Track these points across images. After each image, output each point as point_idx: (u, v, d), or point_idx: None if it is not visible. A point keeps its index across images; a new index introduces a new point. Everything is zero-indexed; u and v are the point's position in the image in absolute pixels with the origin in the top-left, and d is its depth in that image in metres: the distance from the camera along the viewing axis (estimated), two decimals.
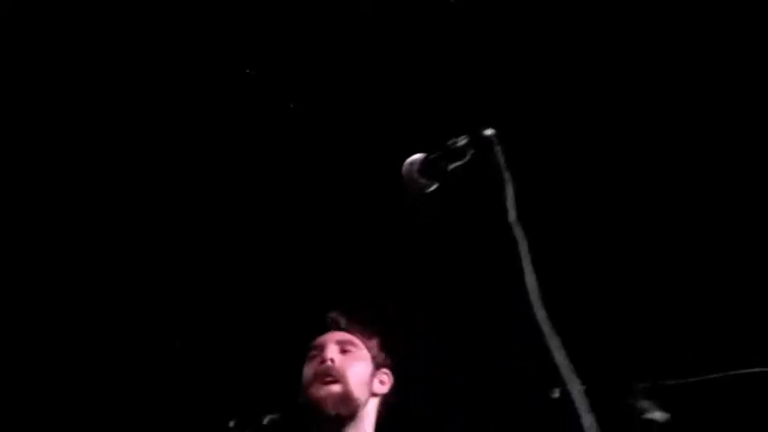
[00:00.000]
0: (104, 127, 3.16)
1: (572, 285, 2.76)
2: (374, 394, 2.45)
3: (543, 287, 1.37)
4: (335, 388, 2.38)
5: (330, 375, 2.38)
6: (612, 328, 2.92)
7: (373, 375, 2.45)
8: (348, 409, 2.38)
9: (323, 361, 2.40)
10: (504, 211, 1.44)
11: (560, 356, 1.34)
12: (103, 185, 3.24)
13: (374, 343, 2.48)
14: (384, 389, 2.47)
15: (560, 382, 1.32)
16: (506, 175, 1.49)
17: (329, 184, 3.18)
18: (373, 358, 2.47)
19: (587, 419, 1.29)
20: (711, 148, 2.95)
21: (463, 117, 2.76)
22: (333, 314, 2.53)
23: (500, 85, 2.96)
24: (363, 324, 2.52)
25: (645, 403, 2.41)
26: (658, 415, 2.43)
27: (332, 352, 2.43)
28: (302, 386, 2.41)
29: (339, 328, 2.50)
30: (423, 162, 1.70)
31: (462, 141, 1.56)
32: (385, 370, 2.48)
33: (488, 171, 1.47)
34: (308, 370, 2.42)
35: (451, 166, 1.57)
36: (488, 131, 1.54)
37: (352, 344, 2.46)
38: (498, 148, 1.53)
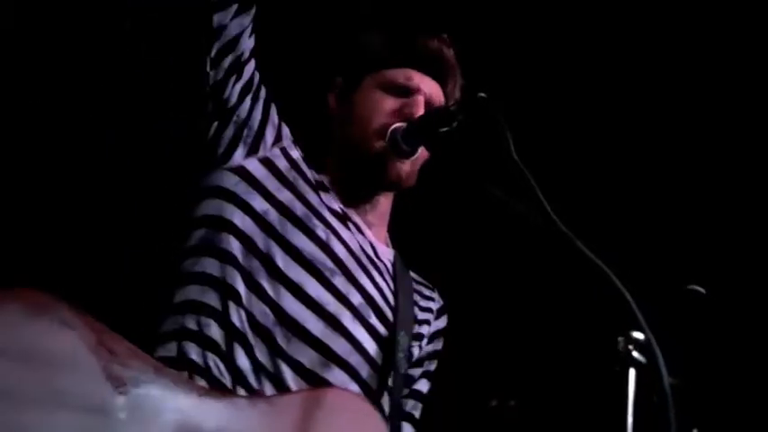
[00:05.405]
0: None
1: None
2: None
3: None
4: (414, 167, 2.07)
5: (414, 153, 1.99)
6: None
7: None
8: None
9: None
10: (509, 152, 1.80)
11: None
12: None
13: None
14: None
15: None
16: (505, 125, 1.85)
17: None
18: None
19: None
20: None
21: None
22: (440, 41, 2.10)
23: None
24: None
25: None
26: (699, 288, 2.70)
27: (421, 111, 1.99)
28: (369, 134, 2.01)
29: (434, 75, 2.07)
30: (406, 129, 2.00)
31: (453, 106, 1.90)
32: None
33: (485, 125, 1.80)
34: (390, 116, 2.01)
35: (442, 129, 1.92)
36: (481, 94, 1.87)
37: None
38: (494, 104, 1.88)
